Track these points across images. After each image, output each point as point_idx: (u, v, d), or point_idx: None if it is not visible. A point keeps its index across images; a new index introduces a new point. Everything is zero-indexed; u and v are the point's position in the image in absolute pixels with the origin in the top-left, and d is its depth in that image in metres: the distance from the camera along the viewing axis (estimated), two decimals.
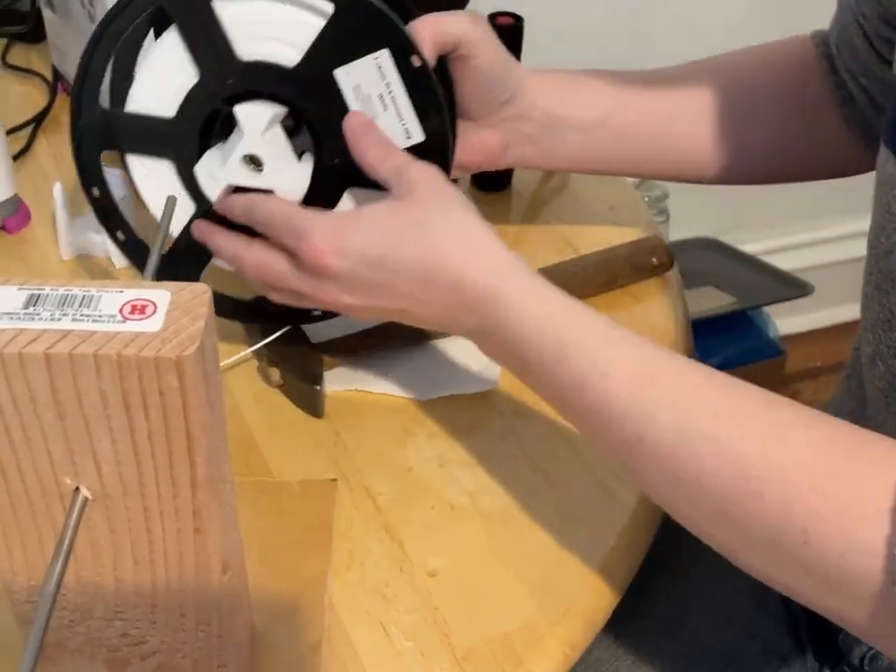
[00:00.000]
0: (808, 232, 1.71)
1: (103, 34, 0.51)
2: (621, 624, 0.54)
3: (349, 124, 0.51)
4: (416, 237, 0.48)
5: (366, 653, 0.47)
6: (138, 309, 0.33)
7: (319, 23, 0.50)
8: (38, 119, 0.84)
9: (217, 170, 0.53)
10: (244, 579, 0.43)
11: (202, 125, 0.52)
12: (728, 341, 1.48)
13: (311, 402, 0.58)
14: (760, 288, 1.56)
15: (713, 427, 0.41)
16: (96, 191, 0.55)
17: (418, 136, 0.52)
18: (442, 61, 0.56)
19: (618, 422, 0.44)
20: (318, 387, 0.58)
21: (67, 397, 0.33)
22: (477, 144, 0.60)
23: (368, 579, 0.50)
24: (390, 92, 0.51)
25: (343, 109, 0.51)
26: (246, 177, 0.53)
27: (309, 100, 0.51)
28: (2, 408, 0.33)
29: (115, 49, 0.52)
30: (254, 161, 0.53)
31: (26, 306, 0.33)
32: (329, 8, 0.50)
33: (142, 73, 0.52)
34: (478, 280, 0.47)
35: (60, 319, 0.33)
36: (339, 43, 0.50)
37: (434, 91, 0.52)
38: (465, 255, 0.48)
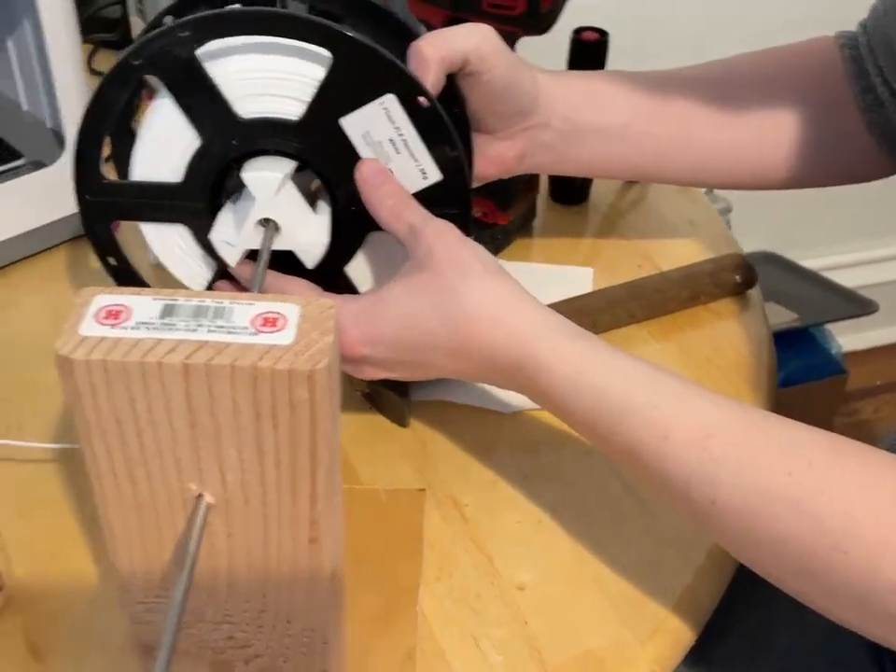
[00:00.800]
0: (871, 249, 1.69)
1: (97, 105, 0.49)
2: (705, 645, 0.53)
3: (361, 174, 0.49)
4: (442, 316, 0.47)
5: (458, 666, 0.47)
6: (269, 322, 0.34)
7: (319, 73, 0.47)
8: None
9: (232, 236, 0.51)
10: (345, 586, 0.44)
11: (211, 187, 0.51)
12: (789, 357, 1.47)
13: (397, 412, 0.59)
14: (822, 305, 1.54)
15: (787, 486, 0.40)
16: (113, 261, 0.54)
17: (435, 175, 0.50)
18: (451, 78, 0.53)
19: (684, 485, 0.43)
20: (405, 397, 0.58)
21: (200, 406, 0.34)
22: (494, 156, 0.59)
23: (457, 590, 0.50)
24: (401, 135, 0.49)
25: (354, 158, 0.50)
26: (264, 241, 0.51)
27: (318, 152, 0.49)
28: (137, 415, 0.34)
29: (111, 118, 0.49)
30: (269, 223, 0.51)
31: (162, 316, 0.34)
32: (328, 56, 0.47)
33: (142, 140, 0.50)
34: (509, 348, 0.46)
35: (195, 330, 0.33)
36: (342, 91, 0.48)
37: (446, 129, 0.49)
38: (492, 325, 0.46)
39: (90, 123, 0.50)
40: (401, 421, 0.59)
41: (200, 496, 0.37)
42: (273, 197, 0.50)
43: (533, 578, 0.51)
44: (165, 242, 0.53)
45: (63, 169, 0.69)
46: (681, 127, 0.62)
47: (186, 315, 0.34)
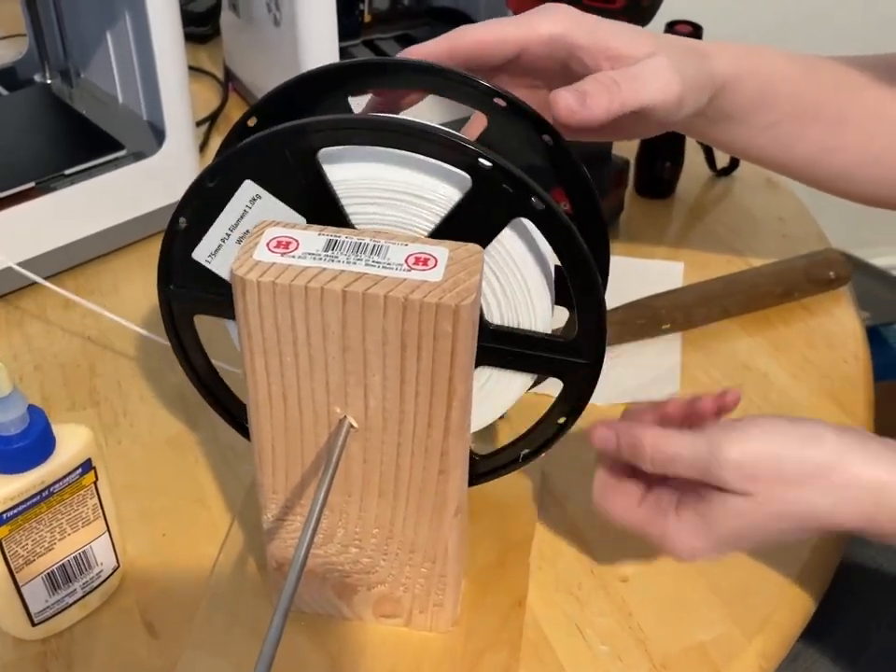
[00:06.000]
0: None
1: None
2: (806, 642, 0.53)
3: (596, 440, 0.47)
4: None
5: (563, 654, 0.47)
6: (421, 261, 0.36)
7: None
8: (213, 117, 0.88)
9: None
10: (465, 524, 0.46)
11: None
12: None
13: None
14: (893, 304, 1.51)
15: None
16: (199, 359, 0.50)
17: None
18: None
19: None
20: None
21: (354, 333, 0.36)
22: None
23: (560, 580, 0.51)
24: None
25: None
26: None
27: None
28: (296, 337, 0.37)
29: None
30: None
31: (326, 249, 0.37)
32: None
33: None
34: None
35: (355, 263, 0.36)
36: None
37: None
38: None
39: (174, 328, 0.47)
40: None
41: (344, 418, 0.39)
42: None
43: (636, 570, 0.51)
44: None
45: (162, 160, 0.71)
46: (833, 135, 0.58)
47: (347, 250, 0.37)
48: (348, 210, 0.42)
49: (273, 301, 0.36)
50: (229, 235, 0.43)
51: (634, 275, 0.70)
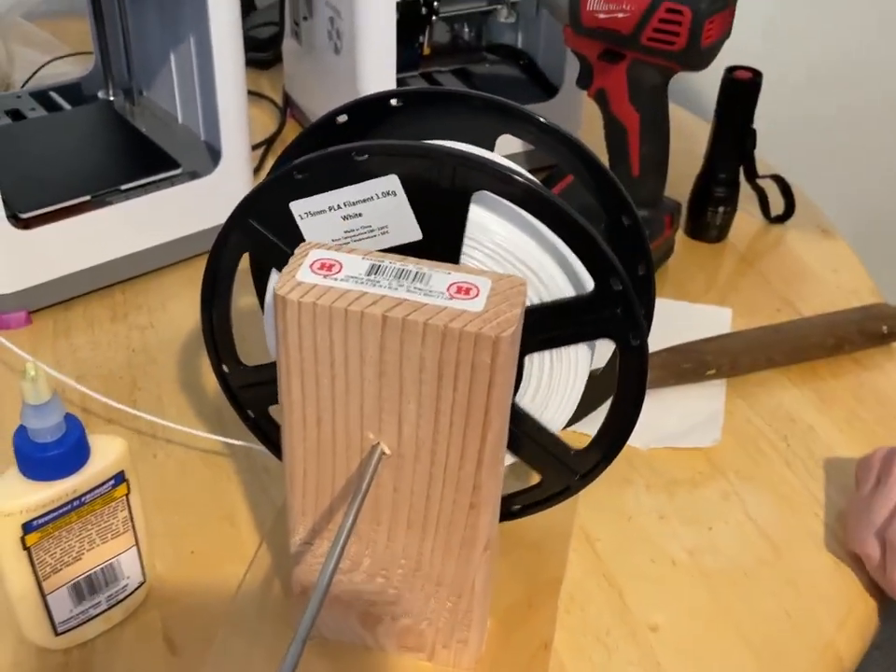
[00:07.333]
0: None
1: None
2: None
3: None
4: None
5: None
6: (463, 290, 0.36)
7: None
8: (269, 142, 0.89)
9: None
10: (495, 561, 0.45)
11: None
12: None
13: None
14: None
15: None
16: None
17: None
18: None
19: None
20: None
21: (391, 358, 0.36)
22: None
23: (589, 625, 0.49)
24: None
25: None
26: None
27: None
28: (334, 359, 0.37)
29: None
30: None
31: (369, 274, 0.36)
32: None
33: None
34: None
35: (397, 289, 0.36)
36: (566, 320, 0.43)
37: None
38: None
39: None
40: None
41: (376, 444, 0.39)
42: None
43: (667, 619, 0.50)
44: None
45: (217, 180, 0.72)
46: None
47: (389, 275, 0.36)
48: (464, 250, 0.42)
49: (313, 322, 0.36)
50: (339, 207, 0.43)
51: (681, 318, 0.69)
